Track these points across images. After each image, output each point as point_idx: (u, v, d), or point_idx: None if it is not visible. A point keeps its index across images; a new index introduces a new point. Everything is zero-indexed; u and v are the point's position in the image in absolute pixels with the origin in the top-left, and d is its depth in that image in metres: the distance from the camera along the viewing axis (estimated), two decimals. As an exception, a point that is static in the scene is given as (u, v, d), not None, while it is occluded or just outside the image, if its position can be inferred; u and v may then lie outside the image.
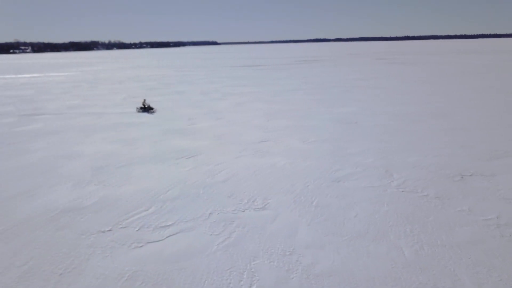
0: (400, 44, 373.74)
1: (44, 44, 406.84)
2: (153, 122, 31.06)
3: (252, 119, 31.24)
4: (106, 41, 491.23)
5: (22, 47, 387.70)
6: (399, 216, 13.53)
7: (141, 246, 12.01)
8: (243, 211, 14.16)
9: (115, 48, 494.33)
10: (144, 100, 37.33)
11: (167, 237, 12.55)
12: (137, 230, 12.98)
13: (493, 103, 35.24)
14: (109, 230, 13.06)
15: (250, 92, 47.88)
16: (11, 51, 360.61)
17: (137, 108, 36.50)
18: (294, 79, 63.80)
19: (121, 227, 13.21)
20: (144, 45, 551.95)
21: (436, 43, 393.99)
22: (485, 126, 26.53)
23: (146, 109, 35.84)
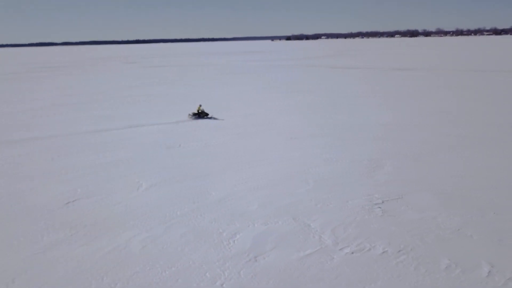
0: (136, 48, 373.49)
1: None
2: None
3: (31, 157, 20.23)
4: None
5: None
6: (405, 309, 8.58)
7: None
8: None
9: None
10: (200, 105, 30.40)
11: None
12: None
13: (295, 104, 35.16)
14: None
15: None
16: None
17: (189, 114, 29.85)
18: (51, 91, 50.40)
19: None
20: None
21: (167, 45, 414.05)
22: (313, 132, 24.89)
23: (201, 115, 29.59)
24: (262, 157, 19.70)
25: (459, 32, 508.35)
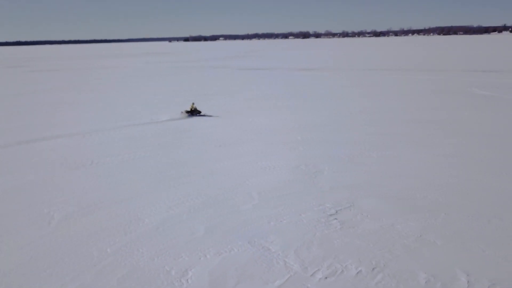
0: (16, 50, 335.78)
1: None
2: None
3: None
4: None
5: None
6: None
7: None
8: None
9: None
10: (193, 103, 30.51)
11: None
12: None
13: (212, 108, 33.39)
14: None
15: None
16: None
17: (182, 112, 29.70)
18: None
19: None
20: None
21: (53, 48, 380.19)
22: (238, 138, 23.56)
23: (194, 112, 29.63)
24: (191, 171, 17.75)
25: (345, 34, 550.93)
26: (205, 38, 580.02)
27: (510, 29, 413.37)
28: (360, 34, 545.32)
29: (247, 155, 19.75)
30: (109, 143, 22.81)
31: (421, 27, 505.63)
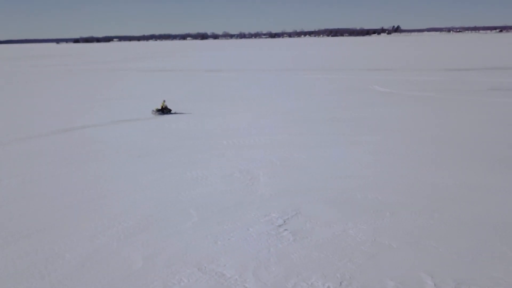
0: None
1: None
2: None
3: None
4: None
5: None
6: None
7: None
8: None
9: None
10: (164, 101, 30.24)
11: None
12: None
13: (120, 114, 30.43)
14: None
15: None
16: None
17: (153, 110, 29.69)
18: None
19: None
20: None
21: None
22: (158, 147, 21.63)
23: (164, 111, 29.60)
24: (110, 188, 15.57)
25: (242, 35, 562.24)
26: (98, 40, 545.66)
27: (387, 31, 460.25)
28: (257, 35, 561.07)
29: (173, 166, 18.03)
30: (4, 161, 19.22)
31: (312, 29, 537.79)
